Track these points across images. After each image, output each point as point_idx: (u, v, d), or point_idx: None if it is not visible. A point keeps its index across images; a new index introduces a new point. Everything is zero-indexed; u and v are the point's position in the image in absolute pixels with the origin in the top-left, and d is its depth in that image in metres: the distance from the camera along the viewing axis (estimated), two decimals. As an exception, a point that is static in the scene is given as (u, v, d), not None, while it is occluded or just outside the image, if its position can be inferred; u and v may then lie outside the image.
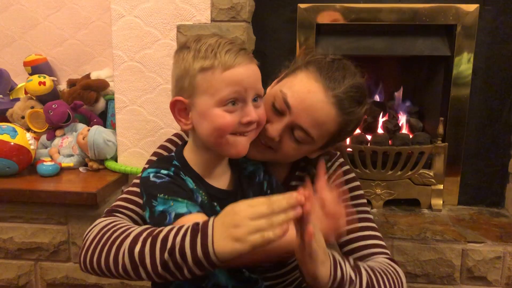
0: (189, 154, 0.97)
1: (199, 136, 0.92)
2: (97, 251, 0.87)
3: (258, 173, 1.06)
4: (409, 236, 1.62)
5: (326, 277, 0.84)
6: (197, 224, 0.77)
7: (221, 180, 0.99)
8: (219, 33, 1.68)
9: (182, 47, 0.91)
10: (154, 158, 1.13)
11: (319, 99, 0.96)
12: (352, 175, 1.17)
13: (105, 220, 0.96)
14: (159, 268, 0.77)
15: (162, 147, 1.17)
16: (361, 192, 1.16)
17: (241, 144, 0.91)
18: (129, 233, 0.84)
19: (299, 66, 1.04)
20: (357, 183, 1.16)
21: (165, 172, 0.90)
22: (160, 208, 0.87)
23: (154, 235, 0.80)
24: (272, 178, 1.08)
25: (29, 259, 1.78)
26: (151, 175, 0.90)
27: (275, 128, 0.99)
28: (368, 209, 1.15)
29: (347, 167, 1.18)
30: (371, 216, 1.14)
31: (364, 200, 1.16)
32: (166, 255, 0.76)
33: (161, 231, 0.80)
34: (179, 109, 0.92)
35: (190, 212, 0.85)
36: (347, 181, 1.15)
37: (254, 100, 0.90)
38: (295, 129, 0.99)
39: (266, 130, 1.00)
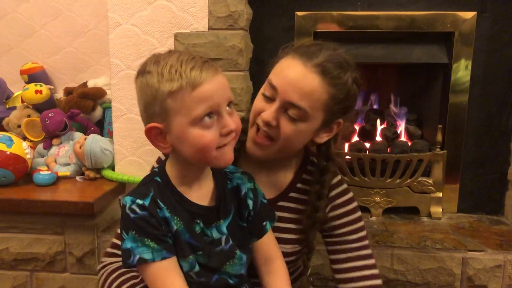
0: (171, 169, 0.96)
1: (182, 156, 0.91)
2: None
3: (243, 187, 1.03)
4: (409, 244, 1.61)
5: None
6: None
7: (203, 194, 0.97)
8: (217, 41, 1.68)
9: (143, 72, 0.88)
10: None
11: (300, 71, 0.99)
12: (355, 204, 1.17)
13: (109, 268, 1.08)
14: None
15: (158, 160, 1.19)
16: (360, 224, 1.15)
17: (227, 154, 0.90)
18: None
19: (279, 56, 1.07)
20: (358, 214, 1.16)
21: (140, 202, 0.89)
22: (128, 245, 0.88)
23: None
24: (258, 197, 1.05)
25: (25, 270, 1.75)
26: (127, 205, 0.89)
27: (268, 112, 1.01)
28: (366, 242, 1.15)
29: (350, 194, 1.17)
30: (369, 252, 1.14)
31: (363, 233, 1.15)
32: None
33: None
34: (155, 134, 0.89)
35: (153, 260, 0.87)
36: (348, 213, 1.15)
37: (228, 106, 0.89)
38: (288, 109, 1.00)
39: (261, 118, 1.02)
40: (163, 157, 1.17)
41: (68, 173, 1.87)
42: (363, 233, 1.15)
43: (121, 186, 1.86)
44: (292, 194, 1.16)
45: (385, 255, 1.61)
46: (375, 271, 1.13)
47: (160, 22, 1.72)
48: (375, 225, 1.77)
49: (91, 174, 1.87)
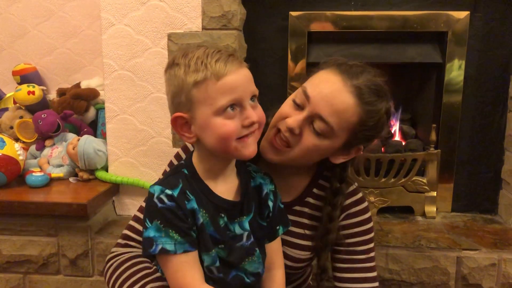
0: (197, 162, 0.97)
1: (205, 147, 0.92)
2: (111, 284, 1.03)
3: (265, 187, 1.04)
4: (404, 244, 1.61)
5: None
6: None
7: (229, 189, 0.98)
8: (210, 41, 1.68)
9: (172, 65, 0.91)
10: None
11: (337, 88, 0.98)
12: (368, 214, 1.15)
13: (119, 259, 1.07)
14: None
15: (170, 164, 1.18)
16: (371, 235, 1.15)
17: (249, 145, 0.91)
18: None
19: (320, 66, 1.06)
20: (370, 224, 1.15)
21: (169, 193, 0.89)
22: (151, 233, 0.88)
23: None
24: (277, 201, 1.06)
25: (17, 272, 1.74)
26: (156, 194, 0.90)
27: (294, 119, 1.00)
28: (372, 254, 1.14)
29: (365, 204, 1.16)
30: (373, 264, 1.13)
31: (371, 245, 1.14)
32: None
33: None
34: (181, 124, 0.92)
35: (175, 252, 0.88)
36: (361, 223, 1.14)
37: (251, 100, 0.91)
38: (315, 121, 0.99)
39: (286, 123, 1.01)
40: (181, 152, 1.16)
41: (61, 175, 1.86)
42: (372, 244, 1.14)
43: (114, 187, 1.85)
44: (308, 199, 1.15)
45: (380, 255, 1.61)
46: (375, 284, 1.12)
47: (154, 22, 1.72)
48: (370, 225, 1.77)
49: (85, 175, 1.86)
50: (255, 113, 0.90)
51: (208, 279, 0.93)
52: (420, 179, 1.84)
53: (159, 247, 0.88)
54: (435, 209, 1.86)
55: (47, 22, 2.33)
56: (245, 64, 0.92)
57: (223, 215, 0.95)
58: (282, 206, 1.07)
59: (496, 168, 1.89)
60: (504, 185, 1.87)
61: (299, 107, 1.02)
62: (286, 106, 1.04)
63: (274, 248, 1.05)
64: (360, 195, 1.15)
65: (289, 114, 1.02)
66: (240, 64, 0.89)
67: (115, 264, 1.06)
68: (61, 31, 2.33)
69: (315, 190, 1.15)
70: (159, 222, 0.88)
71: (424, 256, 1.60)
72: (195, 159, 0.98)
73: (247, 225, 0.98)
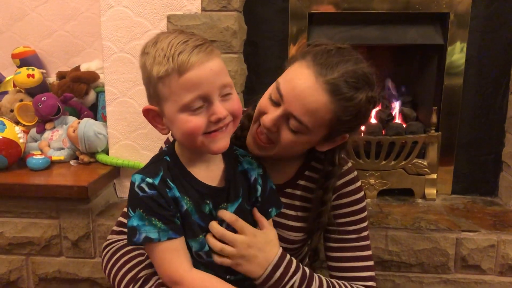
0: (179, 149, 0.96)
1: (176, 140, 0.93)
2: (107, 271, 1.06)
3: (251, 173, 1.03)
4: (403, 226, 1.62)
5: (257, 275, 0.95)
6: None
7: (213, 175, 0.97)
8: (210, 23, 1.66)
9: (143, 52, 0.88)
10: None
11: (308, 86, 0.94)
12: (361, 194, 1.14)
13: (114, 246, 1.09)
14: None
15: (167, 141, 1.18)
16: (363, 215, 1.13)
17: (218, 141, 0.89)
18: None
19: (297, 56, 1.01)
20: (363, 204, 1.13)
21: (150, 181, 0.89)
22: (134, 222, 0.88)
23: None
24: (267, 183, 1.05)
25: (20, 254, 1.76)
26: (136, 183, 0.89)
27: (269, 118, 0.98)
28: (365, 234, 1.13)
29: (359, 184, 1.14)
30: (366, 243, 1.12)
31: (364, 224, 1.13)
32: None
33: None
34: (153, 116, 0.91)
35: (159, 240, 0.88)
36: (353, 203, 1.13)
37: (222, 93, 0.87)
38: (290, 119, 0.97)
39: (262, 121, 0.99)
40: (171, 138, 1.15)
41: (62, 158, 1.87)
42: (364, 224, 1.13)
43: (115, 170, 1.85)
44: (300, 182, 1.14)
45: (380, 237, 1.62)
46: (369, 263, 1.12)
47: (153, 4, 1.70)
48: (370, 207, 1.78)
49: (85, 158, 1.86)
50: (225, 108, 0.87)
51: (198, 264, 0.93)
52: (421, 162, 1.84)
53: (143, 235, 0.87)
54: (435, 191, 1.87)
55: (46, 5, 2.31)
56: (216, 53, 0.87)
57: (208, 201, 0.94)
58: (274, 187, 1.07)
59: (496, 150, 1.89)
60: (504, 168, 1.87)
61: (274, 103, 0.99)
62: (264, 101, 1.02)
63: None
64: (352, 175, 1.13)
65: (267, 109, 1.00)
66: (207, 56, 0.84)
67: (110, 252, 1.07)
68: (60, 14, 2.31)
69: (307, 173, 1.14)
70: (141, 210, 0.88)
71: (423, 237, 1.61)
72: (177, 146, 0.96)
73: (232, 212, 0.97)
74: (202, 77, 0.83)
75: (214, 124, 0.86)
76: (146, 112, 0.90)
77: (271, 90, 1.01)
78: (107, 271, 1.05)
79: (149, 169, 0.92)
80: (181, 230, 0.91)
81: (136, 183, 0.89)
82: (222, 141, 0.90)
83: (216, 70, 0.85)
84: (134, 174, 0.91)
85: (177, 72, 0.82)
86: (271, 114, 0.98)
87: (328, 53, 0.97)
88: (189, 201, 0.92)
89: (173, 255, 0.89)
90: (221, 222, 0.95)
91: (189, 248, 0.92)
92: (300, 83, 0.95)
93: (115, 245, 1.08)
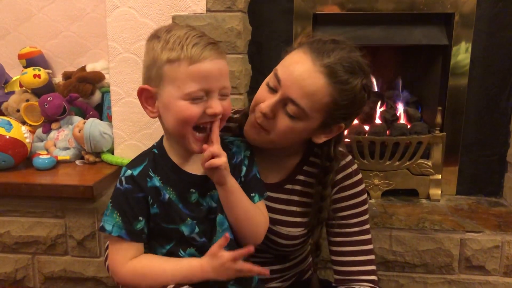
0: (167, 141, 1.00)
1: (164, 125, 0.95)
2: None
3: (239, 155, 1.05)
4: (408, 226, 1.62)
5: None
6: None
7: (200, 164, 0.97)
8: (215, 24, 1.67)
9: (153, 36, 0.92)
10: None
11: (307, 69, 0.96)
12: (362, 187, 1.14)
13: None
14: None
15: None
16: (364, 207, 1.14)
17: (202, 142, 0.93)
18: None
19: (294, 46, 1.05)
20: (364, 197, 1.14)
21: (129, 173, 0.94)
22: (106, 211, 0.96)
23: None
24: (253, 167, 1.06)
25: (26, 253, 1.77)
26: (121, 174, 0.96)
27: (267, 104, 1.00)
28: (367, 227, 1.13)
29: (359, 176, 1.14)
30: (368, 237, 1.13)
31: (365, 217, 1.13)
32: None
33: None
34: (146, 97, 0.94)
35: (110, 233, 0.93)
36: (354, 195, 1.13)
37: (221, 95, 0.92)
38: (287, 104, 0.98)
39: (259, 108, 1.01)
40: None
41: (67, 157, 1.88)
42: (365, 216, 1.13)
43: (120, 170, 1.85)
44: (299, 177, 1.15)
45: (384, 237, 1.62)
46: (371, 257, 1.12)
47: (158, 5, 1.71)
48: (374, 207, 1.78)
49: (91, 158, 1.87)
50: (221, 105, 0.91)
51: (193, 247, 0.96)
52: (425, 162, 1.84)
53: (101, 224, 0.94)
54: (440, 192, 1.87)
55: (52, 5, 2.33)
56: (225, 56, 0.91)
57: (193, 190, 0.97)
58: (259, 176, 1.08)
59: (501, 151, 1.88)
60: (509, 168, 1.87)
61: (272, 90, 1.01)
62: (261, 90, 1.04)
63: None
64: (352, 168, 1.13)
65: (264, 97, 1.01)
66: (219, 54, 0.89)
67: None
68: (66, 14, 2.32)
69: (305, 168, 1.15)
70: (111, 201, 0.94)
71: (428, 238, 1.61)
72: (165, 139, 1.01)
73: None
74: (211, 71, 0.88)
75: (208, 117, 0.90)
76: (141, 92, 0.93)
77: (268, 79, 1.04)
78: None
79: (135, 161, 0.98)
80: (136, 236, 0.94)
81: (120, 175, 0.95)
82: (199, 146, 0.93)
83: (223, 70, 0.91)
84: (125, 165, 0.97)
85: (189, 60, 0.86)
86: (269, 100, 1.00)
87: (324, 42, 1.00)
88: (172, 192, 0.95)
89: (119, 250, 0.95)
90: (209, 209, 0.97)
91: (182, 233, 0.95)
92: (297, 67, 0.97)
93: None
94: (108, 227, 0.93)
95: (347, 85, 0.97)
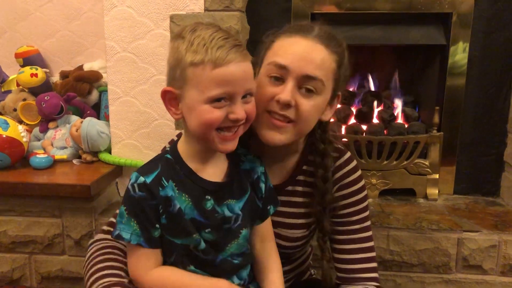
0: (183, 145, 0.97)
1: (188, 128, 0.93)
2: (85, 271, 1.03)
3: (257, 170, 1.04)
4: (405, 225, 1.62)
5: None
6: None
7: (216, 171, 0.98)
8: (214, 23, 1.66)
9: (178, 36, 0.90)
10: None
11: (306, 44, 1.00)
12: (361, 183, 1.14)
13: (97, 245, 1.08)
14: None
15: (171, 141, 1.18)
16: (365, 204, 1.14)
17: (230, 142, 0.91)
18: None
19: (269, 42, 1.06)
20: (364, 193, 1.14)
21: (142, 180, 0.90)
22: (119, 218, 0.93)
23: None
24: (268, 181, 1.06)
25: (23, 253, 1.76)
26: (132, 180, 0.92)
27: (286, 93, 0.98)
28: (368, 224, 1.14)
29: (358, 173, 1.15)
30: (369, 234, 1.13)
31: (366, 214, 1.14)
32: None
33: None
34: (170, 98, 0.92)
35: (129, 241, 0.91)
36: (354, 193, 1.13)
37: (244, 96, 0.90)
38: (304, 83, 0.99)
39: (280, 99, 0.98)
40: (175, 138, 1.15)
41: (65, 156, 1.87)
42: (366, 213, 1.14)
43: (118, 169, 1.86)
44: (300, 177, 1.15)
45: (381, 236, 1.62)
46: (373, 254, 1.13)
47: (156, 4, 1.71)
48: (372, 207, 1.78)
49: (88, 157, 1.87)
50: (244, 110, 0.89)
51: (195, 258, 0.95)
52: (423, 162, 1.84)
53: (117, 232, 0.91)
54: (437, 191, 1.87)
55: (49, 4, 2.32)
56: (249, 58, 0.90)
57: (209, 197, 0.94)
58: (271, 186, 1.07)
59: (498, 150, 1.89)
60: (506, 168, 1.87)
61: (278, 80, 1.00)
62: (266, 86, 1.01)
63: (267, 226, 1.07)
64: (350, 166, 1.13)
65: (274, 91, 1.00)
66: (243, 58, 0.87)
67: (91, 251, 1.08)
68: (63, 13, 2.32)
69: (305, 167, 1.15)
70: (125, 208, 0.91)
71: (425, 237, 1.61)
72: (180, 144, 0.98)
73: (237, 209, 0.97)
74: (235, 75, 0.86)
75: (231, 121, 0.89)
76: (164, 94, 0.92)
77: (265, 73, 1.02)
78: (84, 269, 1.05)
79: (147, 167, 0.94)
80: (155, 243, 0.93)
81: (131, 181, 0.91)
82: (231, 144, 0.92)
83: (247, 73, 0.89)
84: (134, 171, 0.94)
85: (213, 64, 0.84)
86: (283, 90, 0.99)
87: (297, 25, 1.06)
88: (187, 198, 0.93)
89: (140, 257, 0.93)
90: (223, 218, 0.96)
91: (186, 246, 0.93)
92: (297, 47, 1.00)
93: (97, 245, 1.08)
94: (126, 235, 0.91)
95: (340, 48, 1.03)
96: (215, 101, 0.86)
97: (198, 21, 1.63)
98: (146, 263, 0.93)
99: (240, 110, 0.88)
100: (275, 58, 1.00)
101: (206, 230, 0.94)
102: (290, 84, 0.98)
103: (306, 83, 0.98)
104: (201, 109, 0.87)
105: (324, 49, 0.99)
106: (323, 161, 1.10)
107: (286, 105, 0.98)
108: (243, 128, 0.93)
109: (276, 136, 1.02)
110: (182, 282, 0.94)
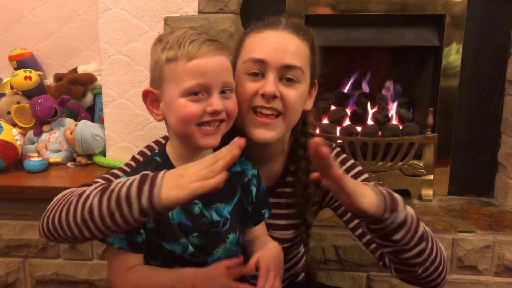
0: (170, 149, 0.98)
1: (169, 127, 0.94)
2: (54, 211, 0.90)
3: (248, 173, 1.04)
4: (400, 226, 1.62)
5: (372, 207, 0.85)
6: (146, 174, 0.80)
7: None
8: (207, 25, 1.67)
9: (157, 40, 0.93)
10: (138, 156, 1.14)
11: (278, 36, 1.02)
12: (352, 161, 1.15)
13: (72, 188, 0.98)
14: (107, 219, 0.79)
15: (148, 147, 1.16)
16: (366, 176, 1.14)
17: (211, 137, 0.91)
18: (85, 192, 0.85)
19: (238, 42, 1.09)
20: (360, 167, 1.14)
21: None
22: None
23: (104, 187, 0.82)
24: (261, 184, 1.06)
25: (17, 256, 1.76)
26: None
27: (269, 85, 0.99)
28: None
29: (344, 155, 1.15)
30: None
31: (366, 176, 1.14)
32: (113, 204, 0.79)
33: (110, 185, 0.82)
34: (151, 100, 0.93)
35: (111, 245, 0.89)
36: (349, 168, 1.13)
37: (223, 92, 0.91)
38: (283, 73, 1.01)
39: (264, 92, 0.99)
40: (162, 141, 1.15)
41: (59, 160, 1.87)
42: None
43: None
44: (289, 179, 1.15)
45: (377, 238, 1.62)
46: None
47: (150, 6, 1.71)
48: (367, 208, 1.78)
49: (83, 160, 1.86)
50: (222, 103, 0.89)
51: (187, 262, 0.93)
52: (417, 163, 1.85)
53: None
54: (432, 192, 1.87)
55: (43, 6, 2.31)
56: (226, 53, 0.91)
57: (197, 201, 0.94)
58: (264, 188, 1.07)
59: (492, 151, 1.89)
60: (500, 168, 1.88)
61: (257, 75, 1.01)
62: (246, 84, 1.02)
63: (261, 230, 1.06)
64: (342, 156, 1.14)
65: (255, 88, 1.01)
66: (218, 51, 0.88)
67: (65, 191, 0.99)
68: (57, 16, 2.31)
69: (293, 168, 1.15)
70: None
71: (420, 238, 1.61)
72: (169, 147, 0.98)
73: (226, 212, 0.97)
74: (208, 66, 0.87)
75: (209, 115, 0.89)
76: (145, 95, 0.93)
77: (243, 71, 1.03)
78: (56, 208, 0.91)
79: (136, 171, 0.93)
80: (138, 248, 0.91)
81: None
82: (213, 139, 0.91)
83: (222, 65, 0.90)
84: (123, 175, 0.94)
85: (186, 57, 0.86)
86: (266, 83, 1.00)
87: (263, 21, 1.07)
88: None
89: (121, 261, 0.91)
90: (212, 222, 0.94)
91: (173, 251, 0.92)
92: (270, 39, 1.02)
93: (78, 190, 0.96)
94: (109, 239, 0.89)
95: (309, 35, 1.06)
96: (191, 94, 0.87)
97: (192, 23, 1.66)
98: (125, 266, 0.91)
99: (217, 102, 0.88)
100: (251, 54, 1.02)
101: (193, 234, 0.93)
102: (271, 76, 1.00)
103: (286, 73, 1.00)
104: (178, 104, 0.87)
105: (296, 38, 1.03)
106: (305, 153, 1.11)
107: (272, 97, 1.00)
108: (226, 125, 0.93)
109: (267, 134, 1.03)
110: (154, 275, 0.91)
